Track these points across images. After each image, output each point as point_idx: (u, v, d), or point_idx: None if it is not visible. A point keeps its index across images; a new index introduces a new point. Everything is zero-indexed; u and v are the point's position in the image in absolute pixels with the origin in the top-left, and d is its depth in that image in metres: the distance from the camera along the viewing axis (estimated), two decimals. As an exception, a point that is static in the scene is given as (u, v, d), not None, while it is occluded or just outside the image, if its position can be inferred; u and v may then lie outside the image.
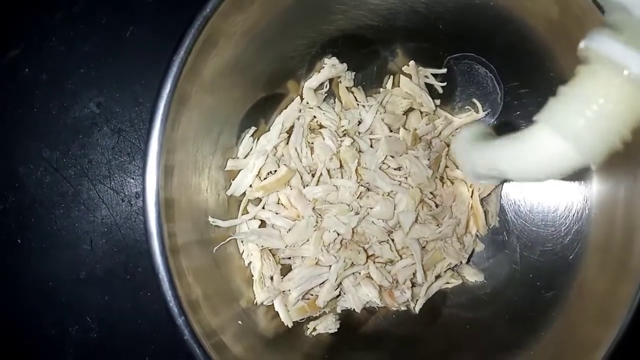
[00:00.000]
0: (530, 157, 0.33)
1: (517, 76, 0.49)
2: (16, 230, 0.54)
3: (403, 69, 0.52)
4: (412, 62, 0.51)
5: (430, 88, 0.52)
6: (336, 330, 0.49)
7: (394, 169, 0.49)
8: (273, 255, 0.48)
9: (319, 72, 0.50)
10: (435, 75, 0.52)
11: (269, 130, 0.49)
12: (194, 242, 0.43)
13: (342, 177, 0.49)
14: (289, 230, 0.47)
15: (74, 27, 0.53)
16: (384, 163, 0.49)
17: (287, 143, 0.49)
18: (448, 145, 0.52)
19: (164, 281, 0.35)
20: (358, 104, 0.51)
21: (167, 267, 0.35)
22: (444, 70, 0.51)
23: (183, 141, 0.41)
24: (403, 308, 0.51)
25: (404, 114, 0.52)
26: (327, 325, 0.49)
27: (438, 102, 0.53)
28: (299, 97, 0.50)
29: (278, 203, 0.49)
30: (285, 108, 0.50)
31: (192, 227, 0.43)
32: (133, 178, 0.54)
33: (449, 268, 0.51)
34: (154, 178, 0.37)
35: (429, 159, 0.50)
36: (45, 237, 0.54)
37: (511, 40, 0.46)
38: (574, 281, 0.46)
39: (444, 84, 0.52)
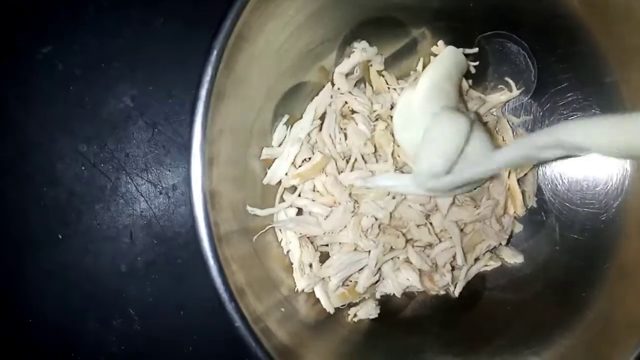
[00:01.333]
0: None
1: (551, 52, 0.48)
2: (57, 226, 0.55)
3: (432, 49, 0.51)
4: (440, 42, 0.50)
5: (462, 68, 0.52)
6: (377, 315, 0.49)
7: (430, 151, 0.49)
8: (311, 242, 0.48)
9: (349, 57, 0.50)
10: (466, 56, 0.51)
11: (301, 117, 0.49)
12: (235, 231, 0.43)
13: (377, 162, 0.49)
14: (327, 217, 0.47)
15: (105, 21, 0.54)
16: (419, 145, 0.49)
17: (321, 130, 0.49)
18: (485, 125, 0.51)
19: (213, 268, 0.35)
20: (389, 88, 0.51)
21: (216, 254, 0.36)
22: (475, 50, 0.50)
23: (220, 132, 0.41)
24: (442, 292, 0.50)
25: (436, 96, 0.51)
26: (368, 311, 0.48)
27: (470, 82, 0.52)
28: (330, 83, 0.50)
29: (314, 190, 0.49)
30: (317, 95, 0.50)
31: (232, 217, 0.43)
32: (169, 170, 0.54)
33: (488, 250, 0.51)
34: (199, 169, 0.37)
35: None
36: (86, 231, 0.55)
37: (543, 16, 0.45)
38: (616, 258, 0.45)
39: (476, 63, 0.51)
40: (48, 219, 0.54)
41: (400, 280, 0.49)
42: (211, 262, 0.35)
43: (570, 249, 0.49)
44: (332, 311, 0.47)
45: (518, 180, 0.51)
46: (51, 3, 0.54)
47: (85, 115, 0.54)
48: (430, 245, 0.49)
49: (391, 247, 0.47)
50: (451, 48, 0.49)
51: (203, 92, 0.37)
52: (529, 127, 0.52)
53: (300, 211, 0.48)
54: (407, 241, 0.48)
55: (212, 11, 0.38)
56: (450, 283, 0.49)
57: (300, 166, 0.48)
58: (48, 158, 0.54)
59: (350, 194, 0.47)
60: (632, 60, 0.43)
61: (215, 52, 0.37)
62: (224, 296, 0.35)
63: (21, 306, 0.56)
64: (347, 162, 0.48)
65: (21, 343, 0.56)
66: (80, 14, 0.54)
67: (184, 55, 0.53)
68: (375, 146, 0.48)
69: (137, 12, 0.53)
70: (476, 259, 0.51)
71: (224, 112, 0.40)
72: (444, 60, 0.48)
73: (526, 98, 0.52)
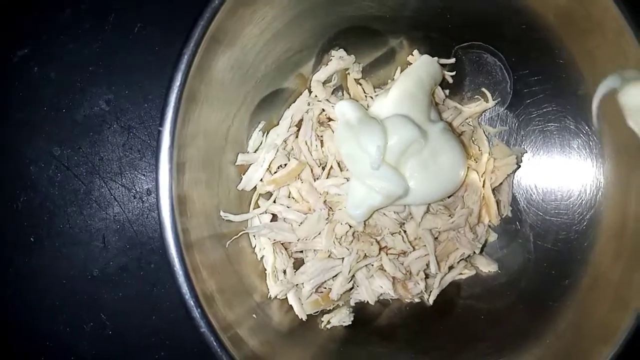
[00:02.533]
0: None
1: (527, 64, 0.49)
2: (29, 229, 0.54)
3: (408, 58, 0.51)
4: (415, 51, 0.51)
5: (439, 78, 0.52)
6: (350, 323, 0.49)
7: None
8: (285, 248, 0.48)
9: (327, 65, 0.50)
10: (443, 66, 0.52)
11: (278, 124, 0.49)
12: (207, 237, 0.43)
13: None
14: (301, 223, 0.47)
15: (83, 25, 0.54)
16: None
17: (297, 136, 0.49)
18: (459, 135, 0.52)
19: (180, 275, 0.35)
20: (366, 96, 0.51)
21: (183, 261, 0.35)
22: (452, 60, 0.51)
23: (193, 137, 0.40)
24: (417, 300, 0.51)
25: (413, 105, 0.52)
26: (342, 318, 0.48)
27: (447, 92, 0.53)
28: (307, 90, 0.50)
29: (289, 197, 0.49)
30: (294, 102, 0.50)
31: (204, 223, 0.43)
32: (144, 175, 0.54)
33: (462, 259, 0.51)
34: (166, 174, 0.37)
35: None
36: (58, 235, 0.54)
37: (520, 29, 0.46)
38: (589, 269, 0.46)
39: (453, 73, 0.51)
40: (20, 222, 0.54)
41: (374, 288, 0.49)
42: (177, 268, 0.35)
43: (544, 258, 0.49)
44: (304, 318, 0.47)
45: (493, 190, 0.52)
46: (28, 6, 0.54)
47: (60, 119, 0.54)
48: (404, 253, 0.49)
49: (365, 255, 0.48)
50: (426, 57, 0.49)
51: (173, 96, 0.37)
52: (505, 137, 0.53)
53: (274, 217, 0.48)
54: (381, 249, 0.48)
55: (190, 17, 0.38)
56: (424, 291, 0.50)
57: (275, 172, 0.48)
58: (22, 161, 0.54)
59: (325, 201, 0.47)
60: (604, 73, 0.43)
61: (186, 56, 0.37)
62: (190, 303, 0.35)
63: (-9, 309, 0.55)
64: (323, 169, 0.48)
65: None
66: (57, 18, 0.54)
67: (160, 59, 0.53)
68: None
69: (114, 16, 0.53)
70: (450, 267, 0.51)
71: (196, 116, 0.40)
72: (418, 68, 0.49)
73: (502, 109, 0.52)
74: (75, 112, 0.54)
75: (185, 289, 0.35)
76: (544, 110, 0.50)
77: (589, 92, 0.45)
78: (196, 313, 0.35)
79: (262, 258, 0.48)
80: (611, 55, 0.42)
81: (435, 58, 0.49)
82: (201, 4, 0.37)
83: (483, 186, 0.51)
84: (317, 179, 0.48)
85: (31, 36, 0.54)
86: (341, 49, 0.50)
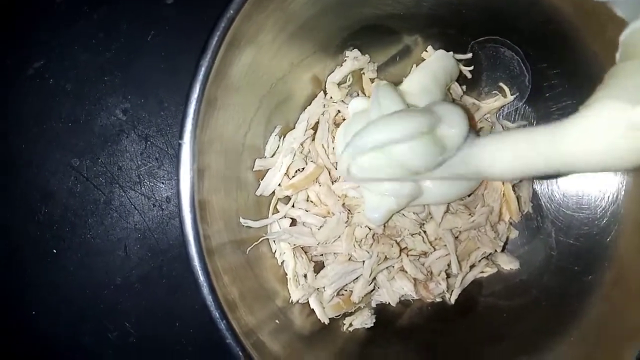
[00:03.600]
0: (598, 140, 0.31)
1: (545, 58, 0.48)
2: (51, 241, 0.55)
3: (422, 54, 0.51)
4: (429, 47, 0.50)
5: (456, 74, 0.51)
6: (372, 324, 0.49)
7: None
8: (305, 252, 0.48)
9: (341, 65, 0.49)
10: (460, 61, 0.51)
11: (294, 127, 0.49)
12: (227, 243, 0.43)
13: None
14: (320, 227, 0.47)
15: (96, 35, 0.54)
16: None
17: (314, 139, 0.49)
18: (478, 132, 0.51)
19: (204, 286, 0.35)
20: (382, 95, 0.50)
21: (206, 270, 0.36)
22: (469, 55, 0.50)
23: (211, 143, 0.40)
24: (438, 300, 0.50)
25: (430, 103, 0.51)
26: (363, 320, 0.48)
27: (464, 88, 0.52)
28: (322, 92, 0.50)
29: (307, 200, 0.49)
30: (310, 104, 0.50)
31: (224, 229, 0.43)
32: (163, 183, 0.54)
33: (484, 257, 0.51)
34: (187, 182, 0.37)
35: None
36: (80, 246, 0.55)
37: (537, 22, 0.45)
38: (613, 264, 0.45)
39: (471, 67, 0.50)
40: (42, 234, 0.55)
41: (395, 289, 0.49)
42: (201, 279, 0.35)
43: (566, 254, 0.49)
44: (326, 321, 0.47)
45: (513, 186, 0.51)
46: (42, 19, 0.54)
47: (77, 130, 0.54)
48: (425, 253, 0.49)
49: (385, 257, 0.47)
50: (440, 51, 0.49)
51: (193, 103, 0.37)
52: (524, 132, 0.52)
53: (294, 222, 0.48)
54: (401, 250, 0.48)
55: (202, 23, 0.38)
56: (445, 291, 0.49)
57: (293, 176, 0.48)
58: (41, 173, 0.54)
59: (343, 204, 0.47)
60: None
61: (203, 67, 0.37)
62: (216, 314, 0.35)
63: (17, 321, 0.56)
64: (341, 171, 0.48)
65: (17, 358, 0.56)
66: (71, 29, 0.54)
67: (175, 67, 0.53)
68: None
69: (127, 25, 0.53)
70: (472, 266, 0.51)
71: (214, 123, 0.40)
72: (432, 63, 0.48)
73: (520, 103, 0.51)
74: (92, 123, 0.54)
75: (209, 300, 0.35)
76: (564, 103, 0.49)
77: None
78: (222, 325, 0.35)
79: (282, 263, 0.48)
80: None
81: (450, 53, 0.49)
82: (212, 9, 0.36)
83: (503, 183, 0.51)
84: (335, 181, 0.48)
85: (45, 48, 0.54)
86: (355, 49, 0.49)
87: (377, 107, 0.42)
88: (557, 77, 0.48)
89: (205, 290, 0.35)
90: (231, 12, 0.36)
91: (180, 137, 0.36)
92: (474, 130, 0.46)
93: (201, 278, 0.35)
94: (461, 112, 0.41)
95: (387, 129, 0.39)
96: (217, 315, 0.35)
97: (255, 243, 0.45)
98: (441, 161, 0.39)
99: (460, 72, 0.51)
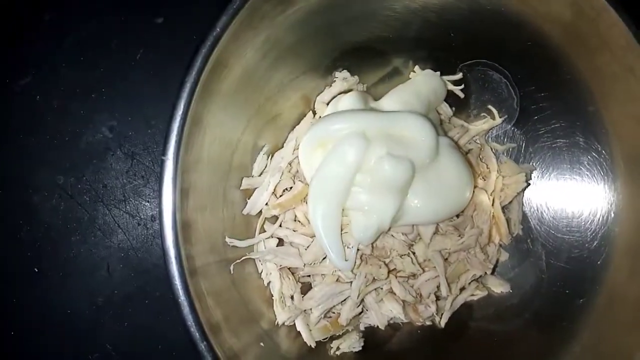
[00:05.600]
0: None
1: (533, 80, 0.48)
2: (33, 260, 0.53)
3: (410, 75, 0.51)
4: (417, 67, 0.50)
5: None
6: (360, 348, 0.48)
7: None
8: (292, 273, 0.47)
9: (331, 86, 0.49)
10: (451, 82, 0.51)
11: (282, 146, 0.49)
12: (212, 263, 0.42)
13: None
14: (307, 247, 0.46)
15: (84, 52, 0.54)
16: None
17: (302, 159, 0.49)
18: (466, 154, 0.51)
19: (184, 306, 0.34)
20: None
21: (187, 291, 0.35)
22: (458, 76, 0.50)
23: (197, 162, 0.40)
24: (428, 323, 0.49)
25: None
26: (351, 344, 0.47)
27: (453, 110, 0.52)
28: (311, 111, 0.50)
29: (295, 220, 0.48)
30: (298, 124, 0.49)
31: (209, 249, 0.42)
32: (148, 201, 0.53)
33: (474, 279, 0.50)
34: (170, 201, 0.36)
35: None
36: (62, 264, 0.54)
37: (524, 45, 0.46)
38: (604, 287, 0.45)
39: (462, 86, 0.51)
40: (24, 252, 0.53)
41: (384, 312, 0.48)
42: (182, 298, 0.34)
43: (557, 277, 0.48)
44: (313, 345, 0.46)
45: (503, 208, 0.51)
46: (29, 35, 0.54)
47: (63, 147, 0.54)
48: (414, 275, 0.48)
49: (374, 278, 0.47)
50: (427, 71, 0.49)
51: (177, 120, 0.37)
52: (513, 155, 0.52)
53: (281, 241, 0.48)
54: (389, 271, 0.47)
55: (191, 41, 0.37)
56: (435, 314, 0.48)
57: (281, 196, 0.47)
58: (25, 190, 0.54)
59: (331, 224, 0.47)
60: (613, 88, 0.43)
61: (188, 84, 0.37)
62: (196, 336, 0.34)
63: (-4, 341, 0.54)
64: (329, 191, 0.48)
65: (-6, 380, 0.54)
66: (58, 46, 0.54)
67: (162, 85, 0.53)
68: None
69: (116, 43, 0.53)
70: (462, 289, 0.50)
71: (200, 141, 0.40)
72: (416, 80, 0.49)
73: (509, 126, 0.52)
74: (78, 140, 0.54)
75: (190, 321, 0.34)
76: (553, 126, 0.49)
77: (599, 108, 0.45)
78: (201, 346, 0.34)
79: (268, 284, 0.47)
80: (620, 72, 0.42)
81: (437, 73, 0.49)
82: (203, 28, 0.36)
83: (492, 205, 0.50)
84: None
85: (33, 65, 0.54)
86: (345, 70, 0.49)
87: (332, 108, 0.47)
88: (545, 100, 0.48)
89: (186, 309, 0.34)
90: (218, 30, 0.36)
91: (164, 153, 0.35)
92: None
93: (181, 297, 0.34)
94: (421, 119, 0.44)
95: (331, 120, 0.44)
96: (197, 337, 0.34)
97: (238, 261, 0.44)
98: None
99: (451, 93, 0.51)
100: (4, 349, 0.54)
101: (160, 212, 0.35)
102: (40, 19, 0.54)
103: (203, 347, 0.34)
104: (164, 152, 0.36)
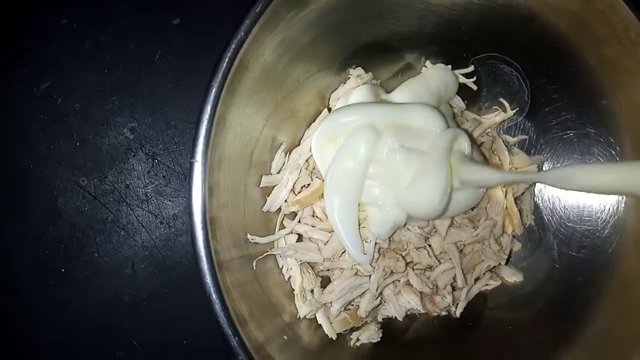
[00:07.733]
0: None
1: (544, 73, 0.49)
2: (59, 260, 0.55)
3: (422, 69, 0.52)
4: (428, 62, 0.51)
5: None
6: (379, 339, 0.49)
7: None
8: (312, 267, 0.48)
9: (345, 83, 0.50)
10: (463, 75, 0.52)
11: (299, 144, 0.50)
12: (235, 259, 0.43)
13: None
14: (326, 242, 0.47)
15: (103, 55, 0.54)
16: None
17: (319, 155, 0.49)
18: (479, 146, 0.52)
19: (216, 303, 0.35)
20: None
21: (218, 287, 0.36)
22: (470, 69, 0.51)
23: (220, 161, 0.41)
24: (444, 313, 0.51)
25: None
26: (370, 335, 0.49)
27: (465, 103, 0.53)
28: (326, 108, 0.51)
29: (313, 216, 0.49)
30: (314, 121, 0.50)
31: (232, 245, 0.43)
32: (170, 200, 0.54)
33: (488, 270, 0.51)
34: (199, 199, 0.37)
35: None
36: (88, 264, 0.55)
37: (535, 38, 0.46)
38: (616, 274, 0.45)
39: (474, 78, 0.51)
40: (51, 253, 0.55)
41: (401, 304, 0.49)
42: (214, 296, 0.35)
43: (569, 266, 0.49)
44: (334, 337, 0.47)
45: (515, 199, 0.52)
46: (49, 39, 0.55)
47: (85, 149, 0.55)
48: (430, 267, 0.49)
49: (391, 271, 0.48)
50: (438, 65, 0.50)
51: (204, 122, 0.37)
52: (524, 146, 0.53)
53: (300, 237, 0.49)
54: (407, 264, 0.48)
55: (208, 43, 0.38)
56: (451, 304, 0.50)
57: (299, 192, 0.48)
58: (49, 192, 0.55)
59: (349, 219, 0.48)
60: (624, 80, 0.43)
61: (217, 82, 0.37)
62: (228, 330, 0.35)
63: (25, 340, 0.56)
64: (346, 186, 0.49)
65: (24, 378, 0.56)
66: (78, 49, 0.55)
67: (181, 86, 0.53)
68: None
69: (134, 46, 0.54)
70: (476, 279, 0.51)
71: (223, 141, 0.41)
72: (428, 74, 0.50)
73: (520, 118, 0.52)
74: (100, 142, 0.55)
75: (222, 317, 0.35)
76: (563, 117, 0.50)
77: (609, 100, 0.45)
78: (234, 341, 0.35)
79: (289, 278, 0.48)
80: (630, 64, 0.42)
81: (449, 66, 0.50)
82: (219, 30, 0.37)
83: (505, 196, 0.51)
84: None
85: (53, 68, 0.55)
86: (359, 67, 0.50)
87: (343, 102, 0.48)
88: (556, 92, 0.49)
89: (217, 307, 0.35)
90: (242, 34, 0.37)
91: (192, 156, 0.36)
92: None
93: (213, 295, 0.35)
94: (430, 109, 0.44)
95: (340, 113, 0.45)
96: (230, 332, 0.35)
97: (260, 257, 0.45)
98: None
99: (463, 87, 0.52)
100: (34, 347, 0.55)
101: (190, 211, 0.36)
102: (59, 23, 0.55)
103: (235, 342, 0.35)
104: (192, 153, 0.36)
